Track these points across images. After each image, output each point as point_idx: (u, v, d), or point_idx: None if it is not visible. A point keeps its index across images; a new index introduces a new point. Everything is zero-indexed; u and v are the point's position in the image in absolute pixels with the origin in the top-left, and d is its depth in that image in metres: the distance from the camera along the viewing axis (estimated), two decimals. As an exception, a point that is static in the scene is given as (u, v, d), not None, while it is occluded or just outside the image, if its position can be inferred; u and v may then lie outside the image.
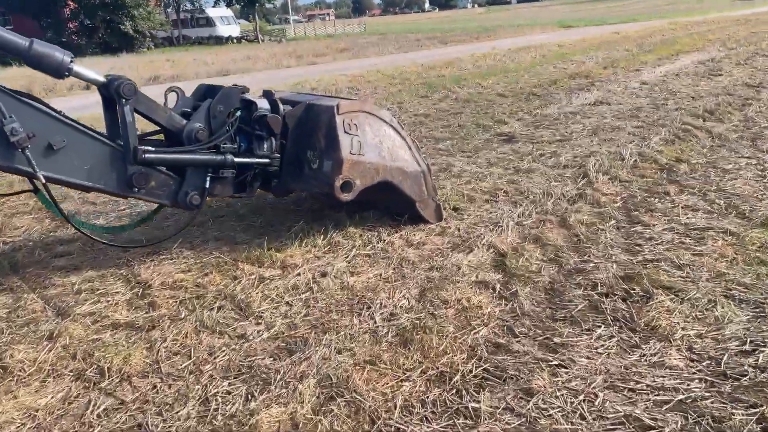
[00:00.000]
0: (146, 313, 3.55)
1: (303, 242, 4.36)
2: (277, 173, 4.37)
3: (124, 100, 3.63)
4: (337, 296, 3.58)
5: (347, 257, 4.12)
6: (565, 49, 18.91)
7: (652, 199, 4.85)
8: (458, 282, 3.61)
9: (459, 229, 4.46)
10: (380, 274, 3.83)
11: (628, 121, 7.78)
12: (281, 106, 4.31)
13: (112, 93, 3.63)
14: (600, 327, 3.05)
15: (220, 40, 49.27)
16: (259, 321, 3.37)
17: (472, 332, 3.08)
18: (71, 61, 3.51)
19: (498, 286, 3.55)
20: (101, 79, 3.69)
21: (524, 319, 3.18)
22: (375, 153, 4.23)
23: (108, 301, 3.72)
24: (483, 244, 4.12)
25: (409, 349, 2.96)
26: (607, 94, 9.73)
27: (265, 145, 4.27)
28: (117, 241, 4.52)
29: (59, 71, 3.48)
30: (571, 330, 3.04)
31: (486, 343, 2.98)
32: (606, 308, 3.19)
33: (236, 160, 4.11)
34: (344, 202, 4.21)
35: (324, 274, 3.88)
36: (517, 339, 3.00)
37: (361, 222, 4.63)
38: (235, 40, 45.71)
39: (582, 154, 6.26)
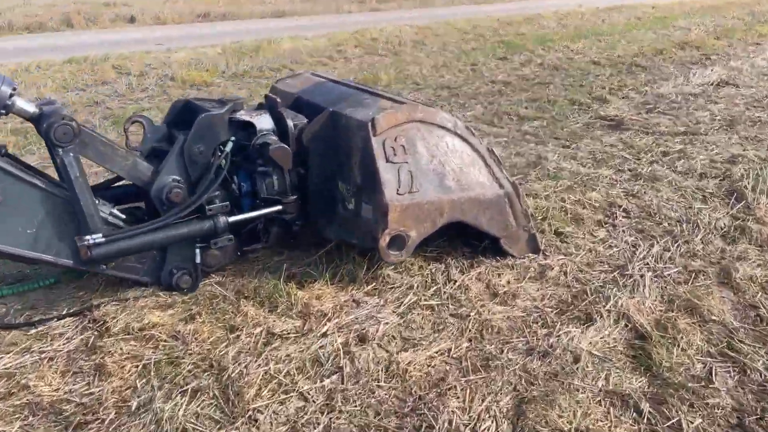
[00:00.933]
0: (87, 385, 2.31)
1: (336, 273, 3.02)
2: (299, 217, 3.10)
3: (60, 149, 2.47)
4: (379, 392, 2.25)
5: (399, 307, 2.77)
6: (661, 12, 16.64)
7: None
8: (578, 389, 2.23)
9: (566, 273, 3.04)
10: (449, 351, 2.47)
11: (771, 112, 6.07)
12: (290, 123, 2.98)
13: (43, 136, 2.47)
14: None
15: (283, -21, 47.42)
16: (252, 431, 2.08)
17: None
18: (12, 94, 2.43)
19: (645, 406, 2.15)
20: (32, 110, 2.52)
21: (708, 504, 1.78)
22: (435, 183, 2.86)
23: (42, 352, 2.50)
24: (609, 310, 2.70)
25: None
26: (732, 73, 7.91)
27: (276, 184, 2.98)
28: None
29: None
30: None
31: None
32: None
33: (233, 219, 2.89)
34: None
35: (363, 339, 2.55)
36: None
37: (420, 245, 3.25)
38: (298, -20, 43.86)
39: (722, 159, 4.67)
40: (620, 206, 3.81)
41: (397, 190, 2.79)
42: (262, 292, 2.87)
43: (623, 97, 6.73)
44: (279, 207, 3.01)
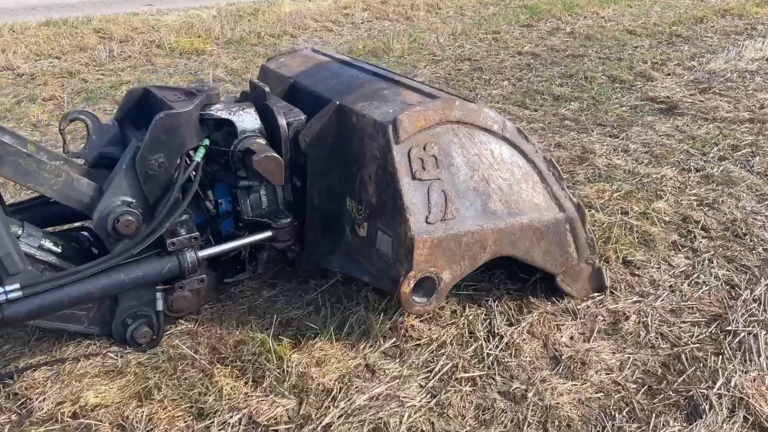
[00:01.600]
0: None
1: (344, 322, 2.29)
2: (295, 242, 2.37)
3: None
4: None
5: (429, 379, 2.05)
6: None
7: None
8: None
9: (646, 326, 2.30)
10: (503, 460, 1.76)
11: (844, 94, 5.24)
12: (282, 122, 2.23)
13: None
14: None
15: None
16: None
17: None
18: None
19: None
20: None
21: None
22: (477, 207, 2.14)
23: (-67, 451, 1.79)
24: (718, 393, 1.97)
25: None
26: (786, 46, 7.02)
27: (264, 202, 2.30)
28: None
29: None
30: None
31: None
32: None
33: (205, 254, 2.16)
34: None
35: (381, 437, 1.83)
36: None
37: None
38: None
39: (806, 155, 3.89)
40: (697, 221, 3.05)
41: (426, 217, 2.05)
42: (245, 351, 2.15)
43: (669, 74, 5.88)
44: (268, 233, 2.27)
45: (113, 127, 2.24)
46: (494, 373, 2.08)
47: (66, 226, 2.39)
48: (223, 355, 2.15)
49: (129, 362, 2.11)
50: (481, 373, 2.08)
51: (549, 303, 2.42)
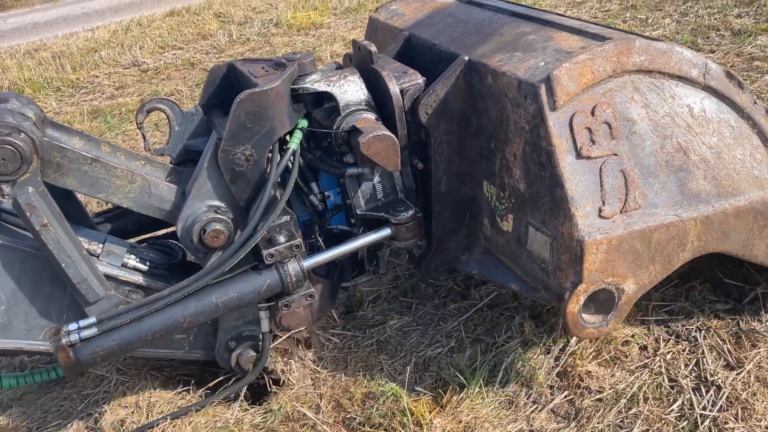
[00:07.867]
0: None
1: (498, 368, 1.79)
2: (421, 237, 1.88)
3: (4, 186, 1.45)
4: None
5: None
6: None
7: None
8: None
9: None
10: None
11: None
12: (394, 89, 1.75)
13: None
14: None
15: None
16: None
17: None
18: None
19: None
20: None
21: None
22: (671, 188, 1.57)
23: None
24: None
25: None
26: None
27: (379, 193, 1.81)
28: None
29: None
30: None
31: None
32: None
33: (311, 263, 1.73)
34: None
35: None
36: None
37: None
38: None
39: None
40: None
41: (600, 210, 1.49)
42: (375, 410, 1.72)
43: None
44: (387, 231, 1.79)
45: (197, 114, 1.87)
46: (716, 449, 1.48)
47: (162, 231, 2.06)
48: (349, 415, 1.74)
49: (242, 422, 1.77)
50: (697, 447, 1.49)
51: (780, 329, 1.75)
